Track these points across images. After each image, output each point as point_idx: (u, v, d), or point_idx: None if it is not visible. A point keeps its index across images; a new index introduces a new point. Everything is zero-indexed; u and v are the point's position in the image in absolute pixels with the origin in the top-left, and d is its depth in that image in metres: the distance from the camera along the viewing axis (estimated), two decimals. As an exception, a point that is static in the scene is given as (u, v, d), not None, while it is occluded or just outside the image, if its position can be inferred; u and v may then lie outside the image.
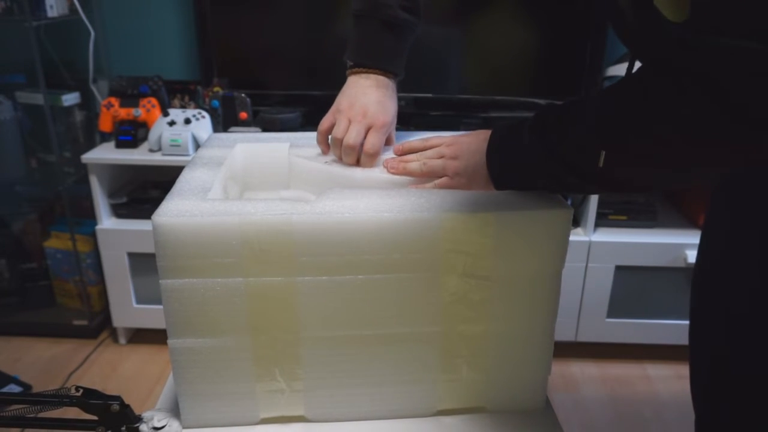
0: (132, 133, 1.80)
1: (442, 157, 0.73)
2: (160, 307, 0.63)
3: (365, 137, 0.79)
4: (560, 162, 0.61)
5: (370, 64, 0.83)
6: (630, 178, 0.60)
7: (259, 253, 0.61)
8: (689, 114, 0.48)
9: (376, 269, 0.63)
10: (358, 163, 0.80)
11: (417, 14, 0.84)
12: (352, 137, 0.78)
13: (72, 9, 1.88)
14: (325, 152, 0.83)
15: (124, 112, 1.81)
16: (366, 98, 0.81)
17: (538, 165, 0.63)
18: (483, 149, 0.68)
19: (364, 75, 0.83)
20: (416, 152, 0.78)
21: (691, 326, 0.79)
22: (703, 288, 0.78)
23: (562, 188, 0.67)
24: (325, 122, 0.82)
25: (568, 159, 0.60)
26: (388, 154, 0.81)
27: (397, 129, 0.87)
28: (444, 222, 0.62)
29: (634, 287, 1.78)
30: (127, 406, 0.65)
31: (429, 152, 0.75)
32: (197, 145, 1.72)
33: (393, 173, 0.76)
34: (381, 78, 0.83)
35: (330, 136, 0.81)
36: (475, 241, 0.63)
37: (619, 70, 1.82)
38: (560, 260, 0.66)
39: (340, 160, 0.81)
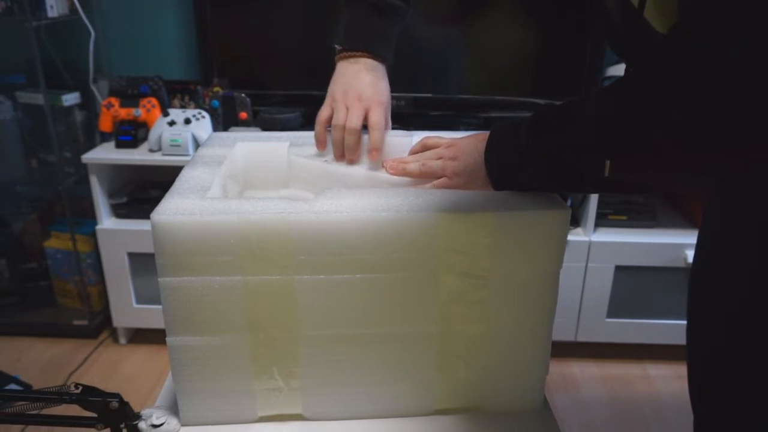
0: (132, 133, 1.80)
1: (440, 158, 0.73)
2: (160, 307, 0.63)
3: (367, 119, 0.80)
4: (557, 162, 0.61)
5: (358, 46, 0.83)
6: (628, 179, 0.60)
7: (257, 251, 0.61)
8: (682, 120, 0.49)
9: (373, 268, 0.63)
10: (354, 159, 0.80)
11: (406, 1, 0.84)
12: (353, 121, 0.79)
13: (72, 9, 1.88)
14: (322, 148, 0.83)
15: (124, 112, 1.81)
16: (358, 82, 0.81)
17: (535, 165, 0.63)
18: (481, 149, 0.69)
19: (353, 59, 0.83)
20: (415, 154, 0.78)
21: (689, 325, 0.79)
22: (700, 287, 0.78)
23: (560, 188, 0.67)
24: (323, 113, 0.82)
25: (565, 159, 0.60)
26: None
27: (397, 128, 0.87)
28: (442, 222, 0.62)
29: (634, 287, 1.78)
30: (126, 403, 0.65)
31: (428, 153, 0.76)
32: (197, 145, 1.73)
33: (392, 174, 0.76)
34: (370, 61, 0.83)
35: (331, 125, 0.81)
36: (473, 241, 0.63)
37: (619, 70, 1.82)
38: (558, 260, 0.66)
39: (340, 145, 0.80)
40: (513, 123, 0.66)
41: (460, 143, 0.73)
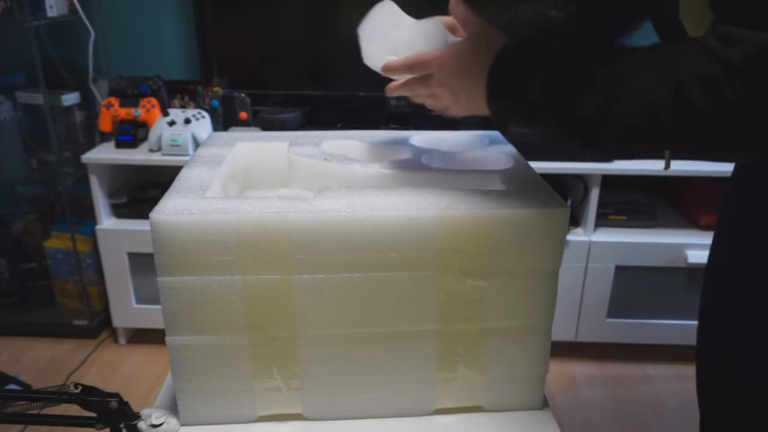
0: (132, 133, 1.80)
1: (431, 92, 0.69)
2: (160, 307, 0.63)
3: None
4: (572, 129, 0.57)
5: None
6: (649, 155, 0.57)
7: (256, 251, 0.61)
8: (732, 107, 0.47)
9: (373, 268, 0.63)
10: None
11: None
12: None
13: (72, 9, 1.88)
14: None
15: (124, 112, 1.81)
16: None
17: (545, 123, 0.59)
18: (481, 84, 0.62)
19: None
20: (403, 69, 0.71)
21: (700, 326, 0.79)
22: (711, 288, 0.77)
23: (562, 144, 0.63)
24: None
25: (583, 129, 0.56)
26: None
27: (396, 128, 0.87)
28: (441, 220, 0.62)
29: (634, 287, 1.78)
30: (126, 403, 0.65)
31: (416, 83, 0.71)
32: (197, 145, 1.73)
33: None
34: None
35: None
36: (472, 240, 0.63)
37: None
38: (557, 259, 0.66)
39: None
40: (523, 60, 0.60)
41: (454, 68, 0.66)
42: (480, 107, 0.64)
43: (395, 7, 0.73)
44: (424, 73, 0.69)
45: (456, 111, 0.68)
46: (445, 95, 0.68)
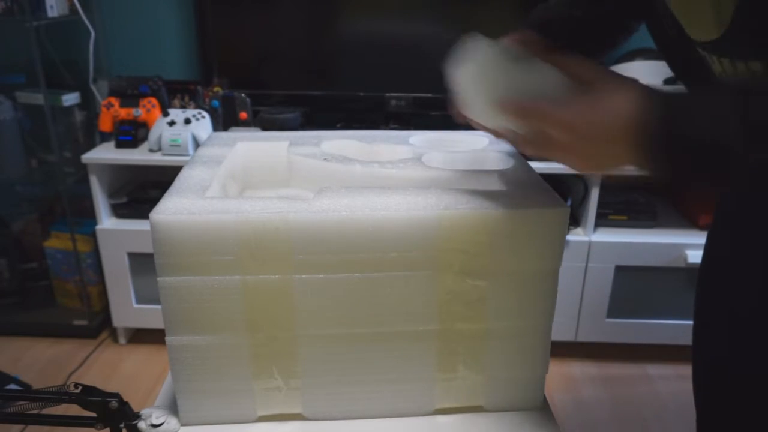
0: (132, 133, 1.81)
1: (553, 149, 0.56)
2: (160, 307, 0.63)
3: None
4: None
5: None
6: None
7: (255, 251, 0.61)
8: None
9: (372, 267, 0.63)
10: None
11: None
12: None
13: (72, 9, 1.88)
14: None
15: (124, 112, 1.81)
16: None
17: (745, 174, 0.50)
18: (635, 148, 0.50)
19: None
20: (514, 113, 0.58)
21: (695, 326, 0.79)
22: (707, 288, 0.78)
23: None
24: None
25: None
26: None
27: (396, 128, 0.87)
28: (441, 220, 0.62)
29: (634, 287, 1.78)
30: (126, 403, 0.65)
31: (533, 145, 0.58)
32: (197, 145, 1.73)
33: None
34: None
35: None
36: (472, 240, 0.63)
37: (620, 69, 1.82)
38: (557, 258, 0.66)
39: None
40: (704, 112, 0.49)
41: (588, 145, 0.54)
42: (625, 165, 0.54)
43: (498, 46, 0.62)
44: (541, 129, 0.56)
45: (586, 171, 0.60)
46: (573, 160, 0.57)
